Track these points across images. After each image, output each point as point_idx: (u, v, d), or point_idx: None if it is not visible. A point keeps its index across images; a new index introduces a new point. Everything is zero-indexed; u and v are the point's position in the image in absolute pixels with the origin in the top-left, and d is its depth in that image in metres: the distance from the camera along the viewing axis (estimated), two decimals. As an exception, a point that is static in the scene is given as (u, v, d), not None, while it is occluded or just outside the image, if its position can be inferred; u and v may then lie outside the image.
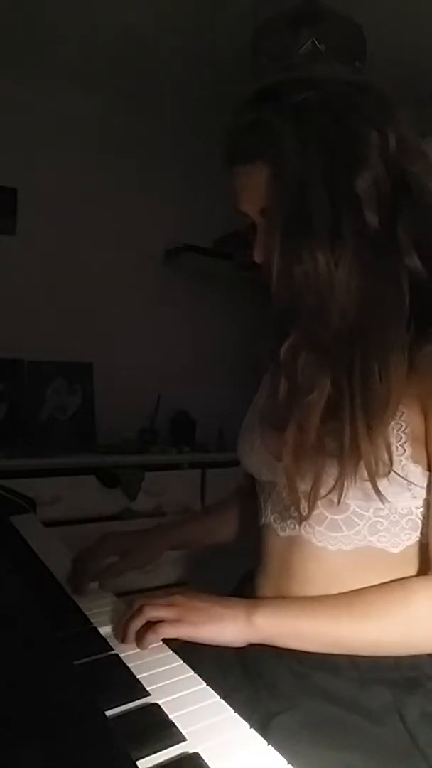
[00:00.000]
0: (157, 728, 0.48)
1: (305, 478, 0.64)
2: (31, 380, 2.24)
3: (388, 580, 0.65)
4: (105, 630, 0.67)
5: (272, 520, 0.74)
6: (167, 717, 0.49)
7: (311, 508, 0.64)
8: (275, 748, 0.47)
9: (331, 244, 0.62)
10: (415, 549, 0.66)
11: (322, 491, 0.63)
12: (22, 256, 2.29)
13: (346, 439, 0.60)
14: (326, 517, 0.66)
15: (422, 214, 0.64)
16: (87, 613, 0.70)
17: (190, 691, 0.55)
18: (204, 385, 2.67)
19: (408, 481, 0.63)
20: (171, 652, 0.62)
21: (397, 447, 0.62)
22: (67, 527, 1.77)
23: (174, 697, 0.54)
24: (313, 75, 0.67)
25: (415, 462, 0.63)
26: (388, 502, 0.62)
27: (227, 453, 2.32)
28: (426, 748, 0.59)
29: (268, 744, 0.48)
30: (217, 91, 2.16)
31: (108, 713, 0.49)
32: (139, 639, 0.61)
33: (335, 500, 0.62)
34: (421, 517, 0.65)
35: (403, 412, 0.63)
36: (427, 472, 0.64)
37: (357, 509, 0.64)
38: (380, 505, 0.63)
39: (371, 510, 0.64)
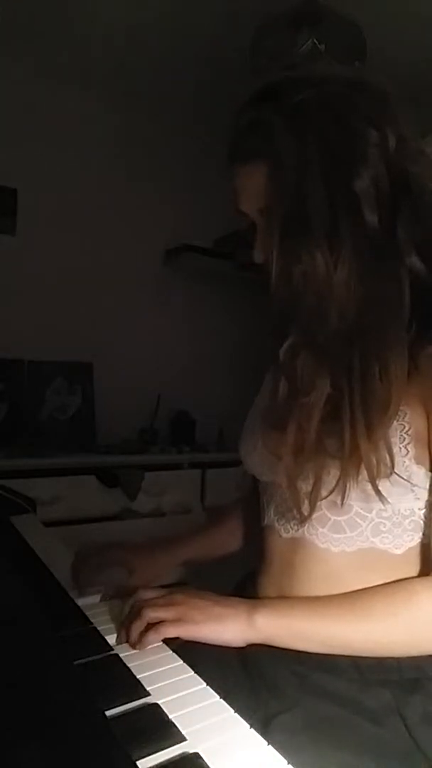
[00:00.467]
0: (157, 728, 0.48)
1: (306, 479, 0.64)
2: (31, 380, 2.24)
3: (390, 581, 0.64)
4: (104, 629, 0.67)
5: (275, 521, 0.74)
6: (167, 717, 0.49)
7: (312, 509, 0.64)
8: (275, 748, 0.47)
9: (329, 243, 0.61)
10: (417, 550, 0.66)
11: (323, 492, 0.62)
12: (22, 256, 2.29)
13: (346, 440, 0.60)
14: (329, 519, 0.66)
15: (422, 213, 0.64)
16: (87, 613, 0.70)
17: (190, 691, 0.55)
18: (204, 385, 2.67)
19: (410, 482, 0.62)
20: (171, 652, 0.62)
21: (400, 448, 0.62)
22: (67, 527, 1.77)
23: (174, 697, 0.54)
24: (313, 74, 0.66)
25: (418, 463, 0.63)
26: (389, 503, 0.62)
27: (227, 453, 2.32)
28: (427, 749, 0.59)
29: (269, 744, 0.48)
30: (217, 91, 2.16)
31: (108, 713, 0.49)
32: (140, 640, 0.61)
33: (338, 501, 0.62)
34: (424, 518, 0.65)
35: (406, 413, 0.62)
36: (430, 473, 0.64)
37: (360, 510, 0.64)
38: (383, 506, 0.63)
39: (374, 511, 0.64)
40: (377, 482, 0.60)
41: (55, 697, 0.51)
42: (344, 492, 0.61)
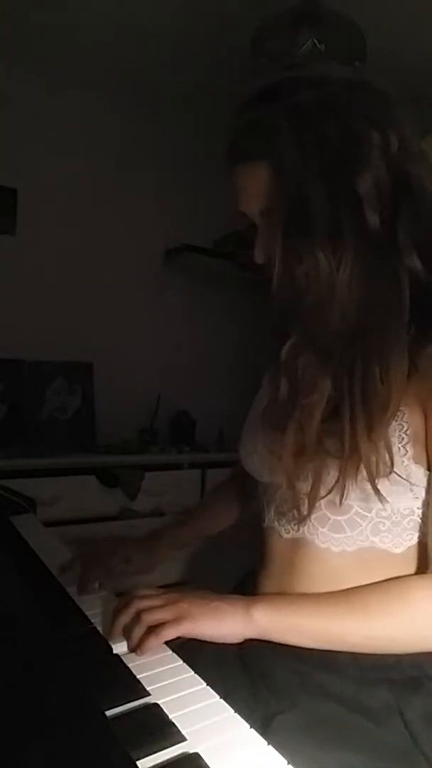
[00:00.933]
0: (157, 728, 0.48)
1: (305, 479, 0.64)
2: (31, 380, 2.24)
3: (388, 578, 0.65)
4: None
5: (276, 522, 0.74)
6: (167, 717, 0.49)
7: (311, 509, 0.64)
8: (275, 747, 0.47)
9: (332, 244, 0.61)
10: (417, 549, 0.66)
11: (322, 491, 0.63)
12: (22, 256, 2.29)
13: (346, 440, 0.60)
14: (329, 519, 0.66)
15: (422, 215, 0.64)
16: (87, 613, 0.70)
17: (190, 691, 0.55)
18: (204, 385, 2.67)
19: (410, 482, 0.63)
20: (171, 652, 0.62)
21: (399, 448, 0.62)
22: (67, 527, 1.77)
23: (174, 697, 0.54)
24: (314, 75, 0.66)
25: (416, 462, 0.63)
26: (388, 502, 0.62)
27: (227, 453, 2.32)
28: (427, 749, 0.59)
29: (269, 744, 0.48)
30: (217, 91, 2.16)
31: (108, 713, 0.49)
32: (141, 645, 0.61)
33: (337, 501, 0.62)
34: (422, 517, 0.65)
35: (404, 413, 0.63)
36: (428, 472, 0.64)
37: (359, 510, 0.64)
38: (382, 505, 0.63)
39: (373, 511, 0.64)
40: (376, 482, 0.60)
41: (55, 697, 0.51)
42: (343, 491, 0.62)
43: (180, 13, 1.90)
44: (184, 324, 2.70)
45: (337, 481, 0.62)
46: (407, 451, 0.63)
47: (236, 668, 0.68)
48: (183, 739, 0.47)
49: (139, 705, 0.52)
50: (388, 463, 0.61)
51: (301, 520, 0.66)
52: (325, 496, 0.63)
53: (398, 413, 0.62)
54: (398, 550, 0.65)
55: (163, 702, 0.52)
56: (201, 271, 2.67)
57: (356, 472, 0.61)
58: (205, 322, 2.75)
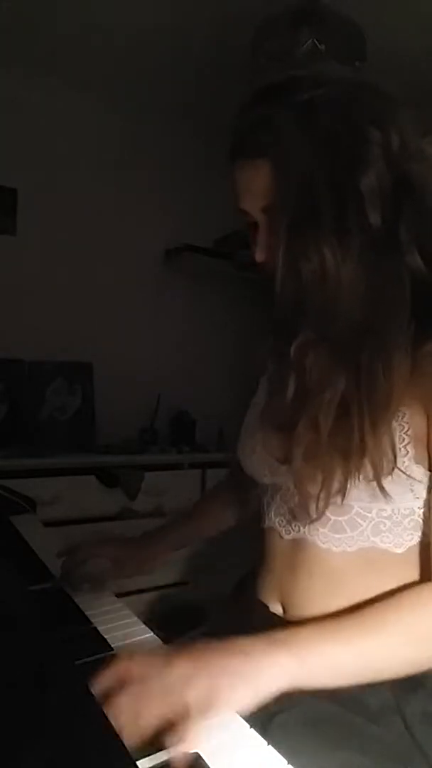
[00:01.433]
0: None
1: (314, 479, 0.64)
2: (31, 380, 2.24)
3: (392, 580, 0.65)
4: (104, 629, 0.67)
5: (276, 523, 0.74)
6: (167, 717, 0.49)
7: (323, 510, 0.64)
8: (275, 747, 0.47)
9: (337, 240, 0.61)
10: (418, 549, 0.66)
11: (332, 491, 0.62)
12: (22, 256, 2.29)
13: (354, 438, 0.60)
14: (330, 519, 0.66)
15: (424, 213, 0.64)
16: (87, 613, 0.70)
17: (190, 691, 0.55)
18: (204, 385, 2.67)
19: (412, 479, 0.63)
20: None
21: (400, 448, 0.62)
22: (67, 527, 1.77)
23: (174, 697, 0.53)
24: (317, 74, 0.66)
25: (417, 463, 0.63)
26: (392, 500, 0.62)
27: (227, 453, 2.32)
28: (427, 748, 0.59)
29: (268, 744, 0.48)
30: (218, 91, 2.16)
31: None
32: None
33: (338, 501, 0.62)
34: (423, 517, 0.65)
35: (405, 413, 0.63)
36: (429, 472, 0.64)
37: (360, 510, 0.64)
38: (383, 505, 0.63)
39: (374, 511, 0.64)
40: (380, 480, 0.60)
41: (55, 697, 0.51)
42: (345, 491, 0.61)
43: (180, 14, 1.90)
44: (184, 324, 2.70)
45: (342, 481, 0.61)
46: (408, 451, 0.63)
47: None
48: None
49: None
50: (392, 461, 0.61)
51: (312, 521, 0.65)
52: (335, 495, 0.62)
53: (399, 414, 0.62)
54: (399, 551, 0.65)
55: (163, 702, 0.52)
56: (201, 271, 2.66)
57: (359, 470, 0.61)
58: (205, 322, 2.75)
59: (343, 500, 0.62)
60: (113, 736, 0.45)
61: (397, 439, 0.62)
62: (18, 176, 2.28)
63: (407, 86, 0.66)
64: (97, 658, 0.60)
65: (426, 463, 0.63)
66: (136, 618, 0.72)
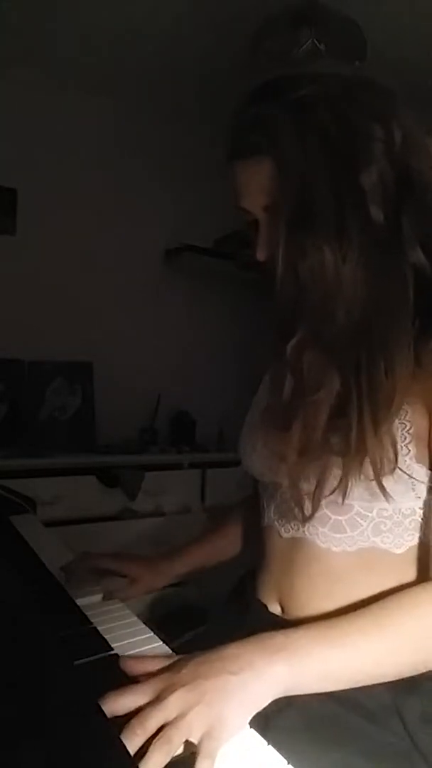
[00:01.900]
0: (157, 728, 0.48)
1: (309, 478, 0.64)
2: (31, 380, 2.24)
3: (391, 580, 0.64)
4: (104, 629, 0.67)
5: (275, 521, 0.73)
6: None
7: (315, 509, 0.64)
8: (275, 747, 0.47)
9: (337, 238, 0.61)
10: (418, 550, 0.65)
11: (326, 491, 0.62)
12: (22, 256, 2.29)
13: (352, 437, 0.60)
14: (330, 518, 0.65)
15: (426, 210, 0.64)
16: (87, 613, 0.70)
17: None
18: (204, 385, 2.67)
19: (413, 479, 0.62)
20: (170, 651, 0.62)
21: (401, 447, 0.62)
22: (67, 527, 1.77)
23: (174, 697, 0.53)
24: (315, 72, 0.66)
25: (418, 462, 0.63)
26: (394, 501, 0.62)
27: (227, 453, 2.32)
28: (425, 749, 0.59)
29: (268, 744, 0.48)
30: (217, 91, 2.16)
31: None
32: None
33: (339, 500, 0.62)
34: (423, 518, 0.65)
35: (407, 411, 0.62)
36: (430, 472, 0.64)
37: (361, 510, 0.64)
38: (384, 505, 0.63)
39: (375, 510, 0.64)
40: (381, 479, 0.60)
41: (55, 697, 0.51)
42: (346, 490, 0.61)
43: (180, 14, 1.90)
44: (184, 324, 2.70)
45: (340, 480, 0.61)
46: (409, 450, 0.62)
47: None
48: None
49: (139, 705, 0.52)
50: (393, 459, 0.60)
51: (305, 520, 0.65)
52: (329, 495, 0.62)
53: (401, 412, 0.62)
54: (399, 551, 0.65)
55: (163, 702, 0.52)
56: (201, 271, 2.66)
57: (359, 469, 0.60)
58: (205, 322, 2.75)
59: (344, 500, 0.62)
60: (113, 737, 0.45)
61: (399, 437, 0.62)
62: (18, 176, 2.28)
63: (407, 86, 0.66)
64: (97, 658, 0.60)
65: (427, 462, 0.63)
66: (135, 618, 0.72)
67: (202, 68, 2.19)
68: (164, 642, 0.64)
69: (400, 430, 0.62)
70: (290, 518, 0.70)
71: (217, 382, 2.66)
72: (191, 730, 0.46)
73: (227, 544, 0.96)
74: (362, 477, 0.61)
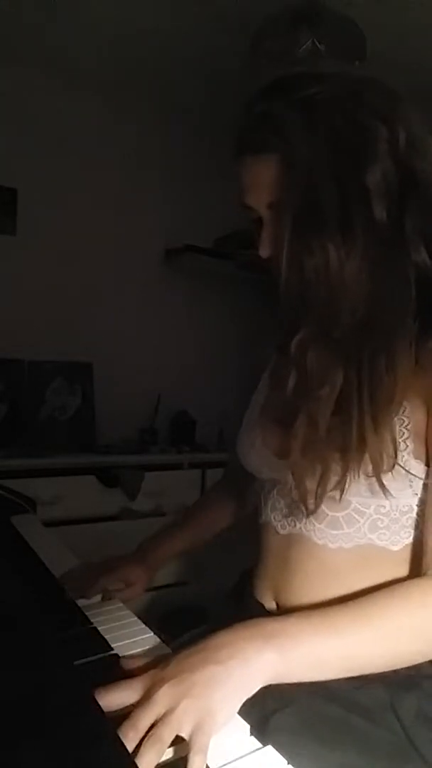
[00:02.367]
0: (156, 728, 0.48)
1: (312, 474, 0.64)
2: (31, 380, 2.24)
3: (387, 578, 0.65)
4: (104, 629, 0.67)
5: (272, 518, 0.74)
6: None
7: (318, 505, 0.64)
8: (274, 747, 0.47)
9: (342, 236, 0.62)
10: (414, 547, 0.66)
11: (328, 487, 0.62)
12: (22, 256, 2.29)
13: (353, 433, 0.60)
14: (327, 515, 0.66)
15: (430, 209, 0.64)
16: (87, 613, 0.70)
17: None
18: (204, 385, 2.67)
19: (411, 474, 0.63)
20: (170, 652, 0.62)
21: (399, 442, 0.62)
22: (67, 527, 1.77)
23: (174, 697, 0.53)
24: (323, 71, 0.67)
25: (416, 458, 0.63)
26: (393, 496, 0.62)
27: (227, 453, 2.32)
28: (422, 747, 0.59)
29: (268, 743, 0.48)
30: (218, 91, 2.16)
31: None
32: None
33: (337, 496, 0.62)
34: (419, 515, 0.65)
35: (405, 407, 0.63)
36: (426, 468, 0.64)
37: (358, 506, 0.64)
38: (381, 502, 0.63)
39: (372, 507, 0.64)
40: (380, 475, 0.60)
41: (55, 697, 0.51)
42: (344, 486, 0.61)
43: (181, 14, 1.90)
44: (184, 324, 2.70)
45: (341, 476, 0.61)
46: (407, 446, 0.63)
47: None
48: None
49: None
50: (392, 456, 0.60)
51: (308, 514, 0.65)
52: (330, 491, 0.62)
53: (400, 408, 0.62)
54: (395, 548, 0.65)
55: (163, 702, 0.52)
56: (201, 271, 2.67)
57: (359, 465, 0.61)
58: (205, 322, 2.75)
59: (342, 496, 0.62)
60: (113, 736, 0.45)
61: (397, 433, 0.62)
62: (18, 176, 2.29)
63: (408, 86, 0.66)
64: (96, 658, 0.60)
65: (424, 458, 0.63)
66: (135, 618, 0.72)
67: (203, 68, 2.19)
68: (164, 642, 0.64)
69: (398, 425, 0.63)
70: (288, 514, 0.70)
71: (217, 382, 2.66)
72: (181, 724, 0.46)
73: (214, 515, 0.99)
74: (361, 473, 0.61)
